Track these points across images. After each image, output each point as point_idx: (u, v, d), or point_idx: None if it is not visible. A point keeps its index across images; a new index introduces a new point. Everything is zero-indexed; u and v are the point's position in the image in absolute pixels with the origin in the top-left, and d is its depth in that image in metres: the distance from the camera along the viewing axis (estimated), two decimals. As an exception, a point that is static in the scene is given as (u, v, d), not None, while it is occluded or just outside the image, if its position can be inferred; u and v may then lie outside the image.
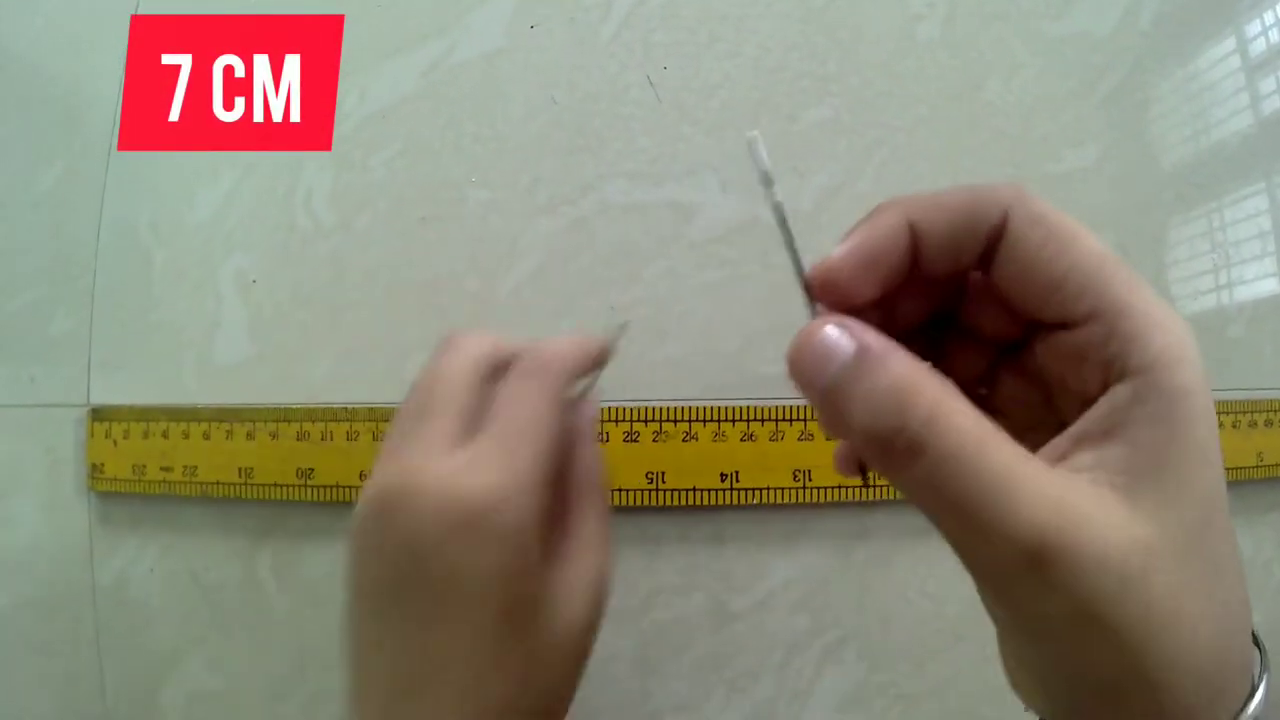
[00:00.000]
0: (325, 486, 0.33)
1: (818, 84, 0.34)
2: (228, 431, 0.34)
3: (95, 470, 0.35)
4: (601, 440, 0.31)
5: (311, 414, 0.33)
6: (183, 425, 0.34)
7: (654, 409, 0.32)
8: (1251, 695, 0.15)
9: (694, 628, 0.32)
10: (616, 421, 0.32)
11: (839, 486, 0.31)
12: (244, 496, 0.34)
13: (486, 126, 0.34)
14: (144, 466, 0.34)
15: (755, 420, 0.32)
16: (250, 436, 0.34)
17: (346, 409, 0.33)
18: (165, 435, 0.34)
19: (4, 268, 0.38)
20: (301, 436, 0.34)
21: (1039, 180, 0.34)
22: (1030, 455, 0.14)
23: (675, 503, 0.31)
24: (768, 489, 0.31)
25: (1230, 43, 0.36)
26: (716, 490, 0.31)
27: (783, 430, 0.32)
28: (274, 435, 0.34)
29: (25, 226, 0.38)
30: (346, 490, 0.33)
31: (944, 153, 0.34)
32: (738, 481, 0.31)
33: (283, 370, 0.34)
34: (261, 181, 0.35)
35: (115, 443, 0.35)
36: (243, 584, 0.35)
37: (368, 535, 0.18)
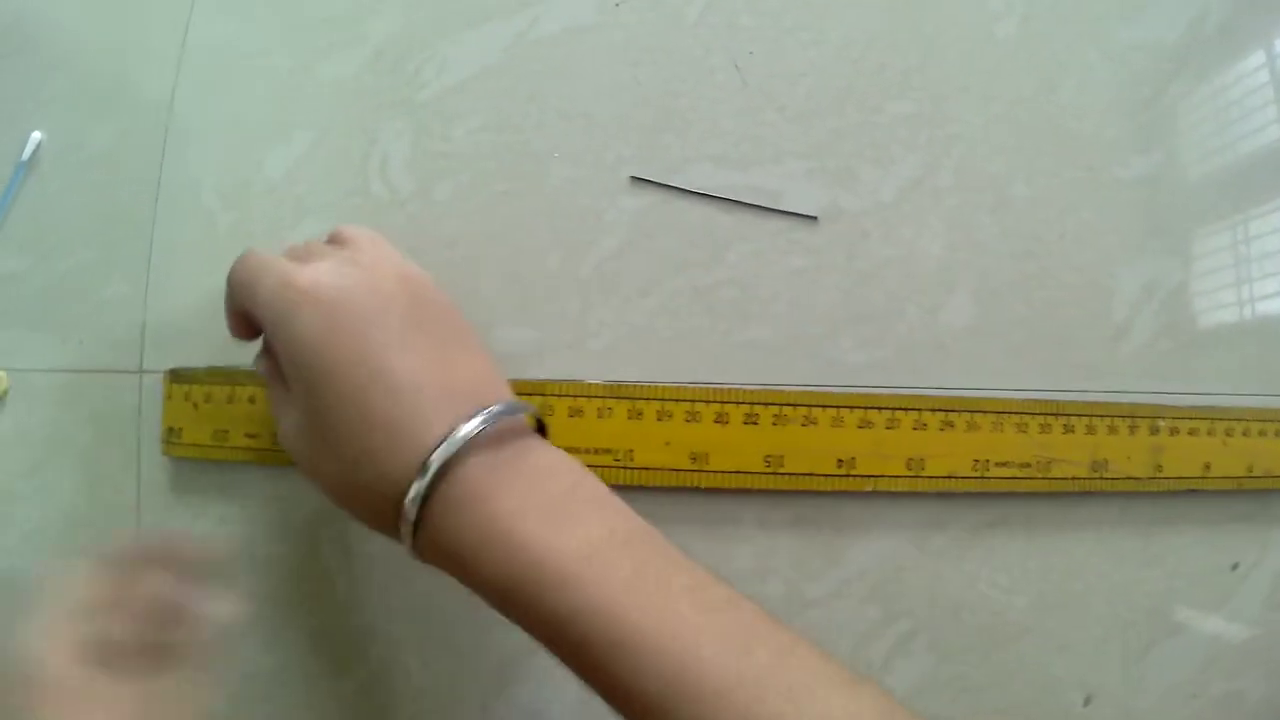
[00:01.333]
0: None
1: (900, 76, 0.34)
2: None
3: (171, 435, 0.34)
4: (722, 421, 0.31)
5: None
6: (249, 389, 0.33)
7: (771, 393, 0.32)
8: None
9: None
10: (736, 404, 0.32)
11: (950, 476, 0.32)
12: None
13: (570, 102, 0.34)
14: (226, 432, 0.33)
15: (872, 408, 0.32)
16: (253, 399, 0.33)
17: (420, 381, 0.32)
18: (251, 400, 0.33)
19: (54, 229, 0.37)
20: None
21: (1109, 185, 0.35)
22: None
23: (792, 487, 0.31)
24: (883, 476, 0.32)
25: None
26: (832, 476, 0.31)
27: (898, 418, 0.32)
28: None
29: (78, 186, 0.37)
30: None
31: (1019, 151, 0.34)
32: (855, 469, 0.31)
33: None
34: (335, 145, 0.35)
35: (196, 406, 0.33)
36: (303, 560, 0.34)
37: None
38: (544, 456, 0.23)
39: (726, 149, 0.33)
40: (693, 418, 0.31)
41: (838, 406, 0.32)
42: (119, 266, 0.36)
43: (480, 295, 0.33)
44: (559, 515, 0.21)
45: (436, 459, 0.21)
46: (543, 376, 0.32)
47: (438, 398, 0.22)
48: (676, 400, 0.31)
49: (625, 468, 0.31)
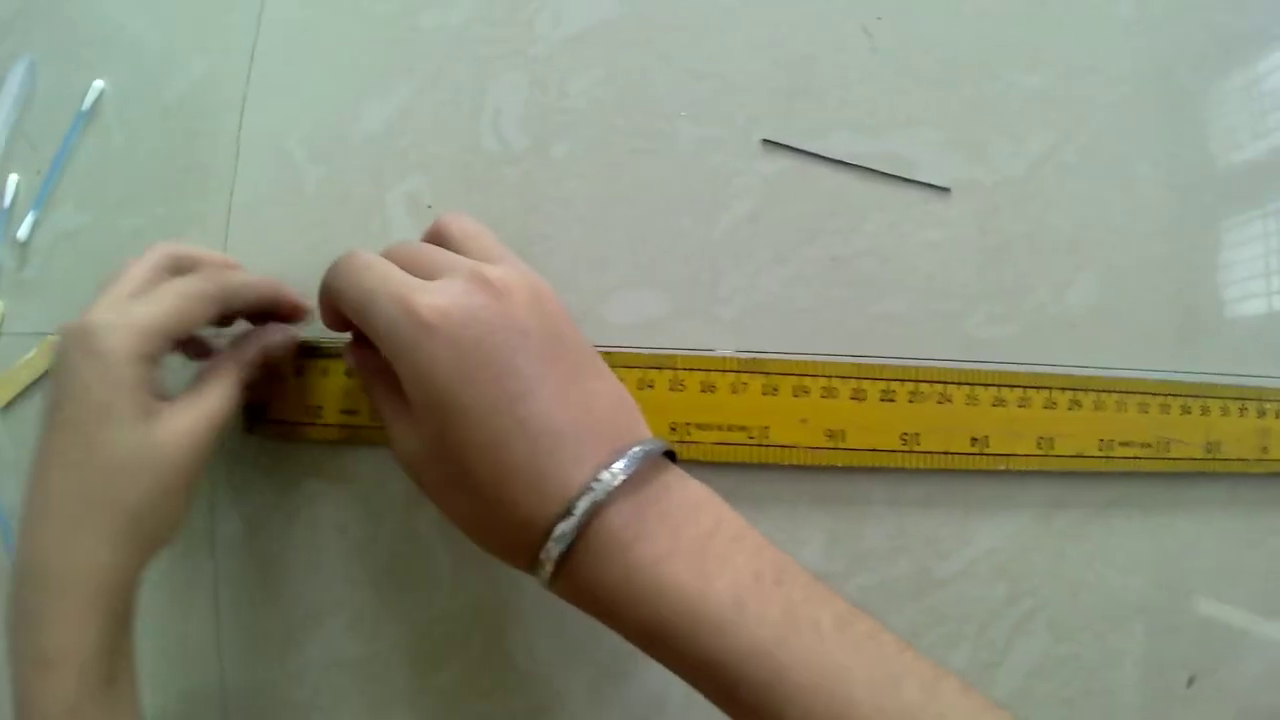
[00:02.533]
0: None
1: (1030, 51, 0.34)
2: None
3: (254, 412, 0.31)
4: (859, 398, 0.30)
5: None
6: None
7: (907, 369, 0.31)
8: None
9: (898, 594, 0.31)
10: (873, 380, 0.31)
11: (1077, 455, 0.31)
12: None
13: (700, 61, 0.32)
14: (320, 409, 0.31)
15: (1005, 386, 0.31)
16: None
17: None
18: (350, 373, 0.31)
19: (119, 183, 0.34)
20: None
21: (1231, 171, 0.35)
22: None
23: (928, 466, 0.31)
24: (1014, 455, 0.31)
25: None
26: (967, 454, 0.31)
27: (1029, 397, 0.31)
28: None
29: (147, 137, 0.34)
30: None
31: (1145, 134, 0.34)
32: (988, 447, 0.31)
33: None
34: (442, 96, 0.32)
35: (283, 379, 0.31)
36: (400, 538, 0.31)
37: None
38: (684, 493, 0.22)
39: (860, 116, 0.32)
40: (829, 394, 0.30)
41: (972, 384, 0.31)
42: (193, 224, 0.33)
43: (603, 258, 0.31)
44: (705, 558, 0.21)
45: (580, 509, 0.21)
46: (670, 343, 0.31)
47: (579, 439, 0.21)
48: (813, 376, 0.30)
49: (761, 445, 0.30)
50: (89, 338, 0.24)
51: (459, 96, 0.32)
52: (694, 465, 0.29)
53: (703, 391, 0.30)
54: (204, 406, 0.26)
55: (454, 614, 0.31)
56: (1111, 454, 0.32)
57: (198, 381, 0.27)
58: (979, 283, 0.32)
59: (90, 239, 0.34)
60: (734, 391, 0.30)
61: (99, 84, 0.34)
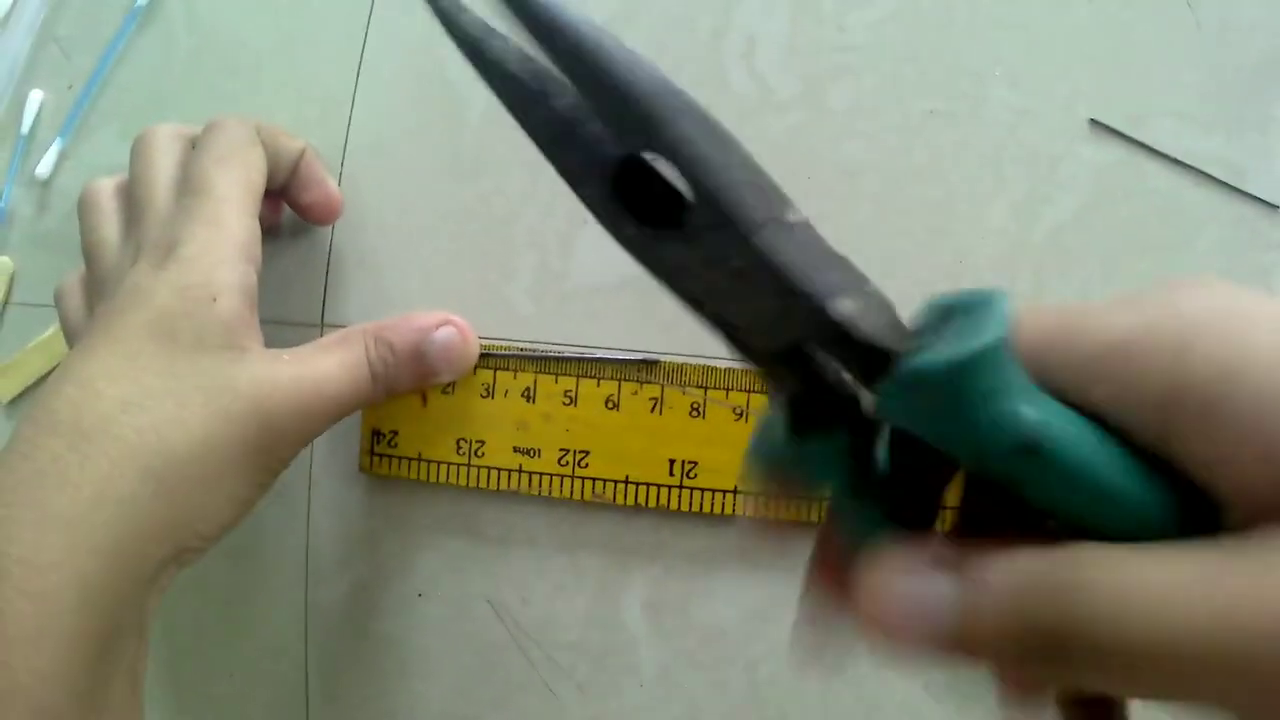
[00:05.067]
0: (710, 491, 0.22)
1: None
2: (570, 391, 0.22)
3: (378, 441, 0.21)
4: None
5: (712, 373, 0.22)
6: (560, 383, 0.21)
7: None
8: None
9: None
10: None
11: None
12: (608, 498, 0.22)
13: (1015, 10, 0.25)
14: (482, 444, 0.21)
15: None
16: (612, 403, 0.22)
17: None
18: (527, 396, 0.21)
19: (192, 101, 0.24)
20: (695, 411, 0.22)
21: None
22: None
23: None
24: None
25: None
26: None
27: None
28: (647, 397, 0.22)
29: (233, 39, 0.24)
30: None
31: None
32: None
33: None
34: (671, 8, 0.23)
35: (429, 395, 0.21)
36: (593, 625, 0.22)
37: None
38: None
39: (1189, 105, 0.26)
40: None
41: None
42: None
43: (891, 245, 0.23)
44: None
45: None
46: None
47: None
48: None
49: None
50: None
51: (696, 13, 0.23)
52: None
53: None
54: (311, 368, 0.20)
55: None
56: None
57: (317, 343, 0.21)
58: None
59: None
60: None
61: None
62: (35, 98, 0.25)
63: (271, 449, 0.19)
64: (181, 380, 0.18)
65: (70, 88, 0.24)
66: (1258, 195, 0.26)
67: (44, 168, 0.24)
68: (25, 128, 0.25)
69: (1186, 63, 0.26)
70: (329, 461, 0.23)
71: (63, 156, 0.25)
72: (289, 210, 0.24)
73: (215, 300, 0.19)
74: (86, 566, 0.16)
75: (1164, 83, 0.26)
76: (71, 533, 0.16)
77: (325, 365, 0.20)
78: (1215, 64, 0.27)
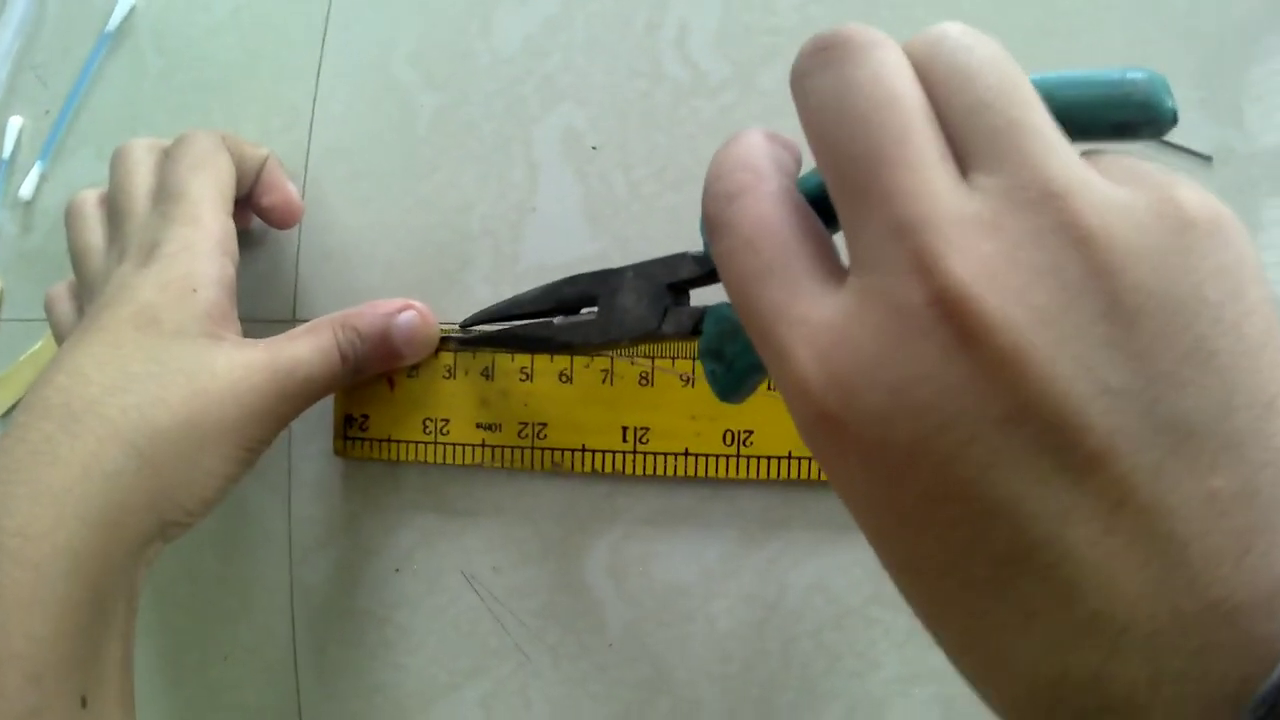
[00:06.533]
0: (662, 454, 0.23)
1: None
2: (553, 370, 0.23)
3: (350, 426, 0.22)
4: None
5: (658, 344, 0.23)
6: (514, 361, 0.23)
7: None
8: None
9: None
10: None
11: None
12: (566, 467, 0.23)
13: (929, -19, 0.26)
14: (446, 422, 0.22)
15: None
16: (565, 377, 0.23)
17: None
18: (486, 374, 0.23)
19: (162, 119, 0.26)
20: (644, 380, 0.23)
21: None
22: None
23: None
24: None
25: None
26: None
27: None
28: (598, 369, 0.23)
29: (198, 60, 0.26)
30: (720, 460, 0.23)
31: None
32: None
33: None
34: (606, 7, 0.25)
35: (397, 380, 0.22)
36: (557, 588, 0.23)
37: None
38: None
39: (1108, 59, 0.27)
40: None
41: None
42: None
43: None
44: None
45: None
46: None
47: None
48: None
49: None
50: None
51: (626, 7, 0.25)
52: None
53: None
54: (284, 352, 0.21)
55: (628, 684, 0.23)
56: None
57: (289, 333, 0.22)
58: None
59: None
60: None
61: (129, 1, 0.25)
62: (15, 124, 0.26)
63: (249, 429, 0.20)
64: (164, 365, 0.19)
65: (48, 113, 0.26)
66: (1191, 149, 0.27)
67: (26, 190, 0.26)
68: (6, 153, 0.26)
69: (1157, 28, 0.27)
70: (307, 447, 0.25)
71: (44, 178, 0.26)
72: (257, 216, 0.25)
73: (195, 291, 0.20)
74: (76, 535, 0.17)
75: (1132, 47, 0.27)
76: (61, 504, 0.17)
77: (298, 350, 0.21)
78: (1187, 28, 0.28)
